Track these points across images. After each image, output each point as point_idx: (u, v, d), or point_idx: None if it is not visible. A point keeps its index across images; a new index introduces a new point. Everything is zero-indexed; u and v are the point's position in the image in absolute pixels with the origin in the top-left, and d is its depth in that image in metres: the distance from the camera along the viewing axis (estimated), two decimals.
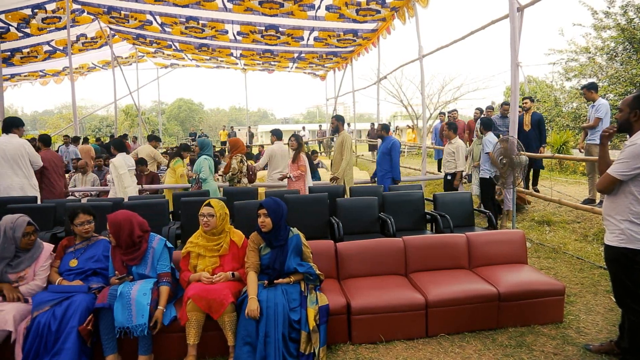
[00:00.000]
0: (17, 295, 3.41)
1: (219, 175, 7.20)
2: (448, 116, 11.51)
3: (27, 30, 11.32)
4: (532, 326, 3.83)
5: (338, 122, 7.58)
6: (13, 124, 6.21)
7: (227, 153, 9.16)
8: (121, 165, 6.70)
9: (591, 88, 6.95)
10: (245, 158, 7.00)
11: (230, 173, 6.77)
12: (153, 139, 10.73)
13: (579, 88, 15.12)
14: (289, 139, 7.18)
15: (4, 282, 3.48)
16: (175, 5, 9.63)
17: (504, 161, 5.88)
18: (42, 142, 7.52)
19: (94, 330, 3.35)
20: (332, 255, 4.20)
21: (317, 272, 3.68)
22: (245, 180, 6.88)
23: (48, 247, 3.76)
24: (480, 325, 3.81)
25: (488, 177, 6.88)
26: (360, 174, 11.26)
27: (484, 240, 4.47)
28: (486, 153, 6.83)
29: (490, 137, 6.96)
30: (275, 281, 3.57)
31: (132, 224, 3.64)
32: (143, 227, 3.72)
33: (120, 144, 7.10)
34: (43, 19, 10.87)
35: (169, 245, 3.82)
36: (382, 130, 7.61)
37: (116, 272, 3.63)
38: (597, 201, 6.79)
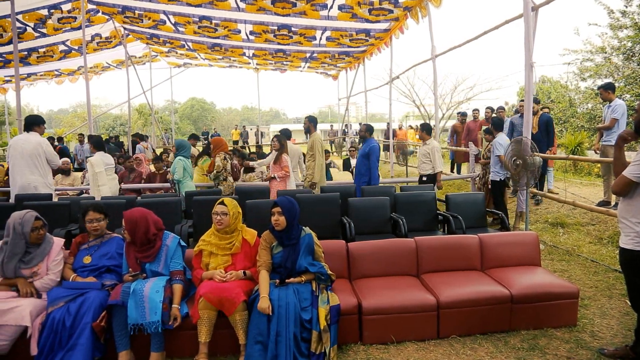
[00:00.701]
0: (31, 290, 3.45)
1: (206, 174, 7.15)
2: (465, 115, 11.39)
3: (44, 30, 11.45)
4: (545, 329, 3.79)
5: (310, 124, 7.36)
6: (34, 122, 6.30)
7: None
8: (98, 163, 6.75)
9: (608, 88, 6.86)
10: (229, 156, 6.98)
11: (215, 171, 6.77)
12: (192, 137, 10.74)
13: (595, 88, 14.95)
14: (272, 140, 7.18)
15: (18, 277, 3.53)
16: (189, 4, 9.67)
17: (517, 162, 5.82)
18: None
19: (107, 326, 3.39)
20: (343, 255, 4.20)
21: (329, 272, 3.68)
22: (230, 178, 6.85)
23: (58, 241, 3.81)
24: (492, 327, 3.78)
25: (499, 179, 6.83)
26: None
27: (497, 242, 4.43)
28: (496, 155, 6.77)
29: (501, 138, 6.91)
30: (286, 280, 3.58)
31: (147, 221, 3.67)
32: (158, 225, 3.76)
33: (99, 143, 7.18)
34: (59, 19, 10.98)
35: (182, 243, 3.86)
36: (366, 131, 7.47)
37: (130, 269, 3.66)
38: (613, 203, 6.70)
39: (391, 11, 9.34)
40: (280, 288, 3.50)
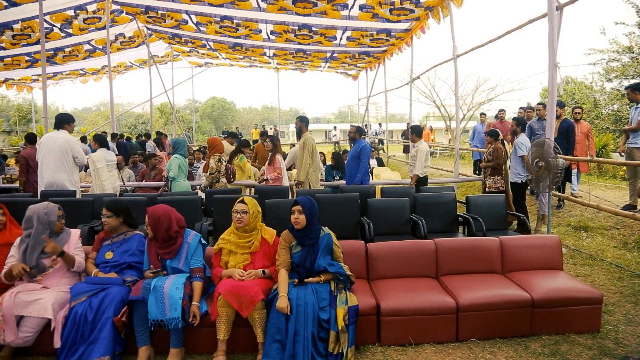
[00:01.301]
0: (22, 268, 3.52)
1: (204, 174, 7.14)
2: (496, 115, 11.19)
3: (69, 30, 11.69)
4: (567, 335, 3.72)
5: (301, 124, 7.26)
6: (64, 120, 6.42)
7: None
8: (99, 159, 6.95)
9: (636, 89, 6.69)
10: (223, 157, 7.00)
11: (208, 173, 6.81)
12: (230, 135, 10.79)
13: (621, 89, 14.62)
14: (265, 140, 7.19)
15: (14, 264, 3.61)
16: (211, 4, 9.76)
17: (540, 164, 5.73)
18: (27, 140, 7.79)
19: (127, 321, 3.45)
20: (362, 256, 4.19)
21: (348, 272, 3.68)
22: (223, 179, 6.88)
23: (75, 231, 3.96)
24: (512, 331, 3.73)
25: (520, 181, 6.74)
26: (391, 174, 11.18)
27: (518, 245, 4.37)
28: (519, 156, 6.68)
29: (523, 139, 6.81)
30: (305, 280, 3.59)
31: (170, 218, 3.73)
32: (180, 223, 3.81)
33: (101, 139, 7.33)
34: (84, 20, 11.21)
35: (203, 241, 3.91)
36: (356, 133, 7.41)
37: (151, 265, 3.71)
38: (639, 207, 6.55)
39: (412, 11, 9.29)
40: (299, 287, 3.51)
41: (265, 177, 6.97)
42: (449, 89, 22.11)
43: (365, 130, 21.65)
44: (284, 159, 7.62)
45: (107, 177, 7.00)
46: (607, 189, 9.23)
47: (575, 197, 7.69)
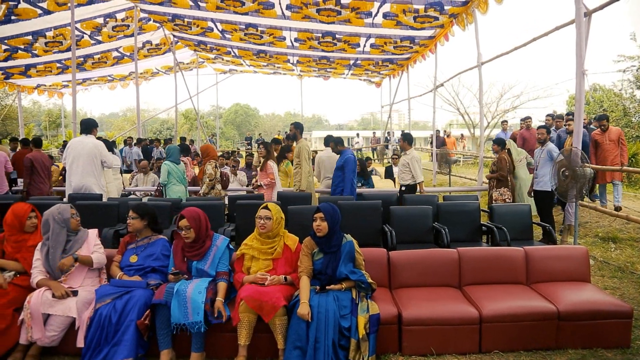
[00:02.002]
0: (64, 292, 3.59)
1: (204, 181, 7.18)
2: (521, 124, 10.97)
3: (99, 38, 11.99)
4: (594, 349, 3.62)
5: (296, 130, 7.33)
6: (92, 125, 6.58)
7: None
8: None
9: None
10: (218, 163, 7.01)
11: (207, 179, 6.85)
12: (274, 142, 10.85)
13: None
14: (258, 147, 7.18)
15: (52, 281, 3.69)
16: (236, 13, 9.89)
17: (566, 173, 5.63)
18: (34, 144, 7.96)
19: (150, 324, 3.50)
20: (384, 264, 4.17)
21: (370, 280, 3.66)
22: (218, 186, 6.89)
23: (92, 230, 4.07)
24: (537, 344, 3.65)
25: (549, 189, 6.61)
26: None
27: (543, 255, 4.28)
28: (557, 162, 6.53)
29: (553, 146, 6.69)
30: (327, 287, 3.58)
31: (206, 220, 3.85)
32: (210, 227, 3.92)
33: (106, 143, 7.44)
34: (113, 27, 11.49)
35: (231, 247, 3.96)
36: (337, 145, 7.44)
37: (173, 268, 3.77)
38: None
39: (436, 18, 9.24)
40: (320, 295, 3.51)
41: (258, 184, 7.02)
42: (473, 96, 21.93)
43: (388, 137, 21.58)
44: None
45: (111, 179, 7.18)
46: (637, 199, 9.00)
47: (604, 208, 7.51)
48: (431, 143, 20.00)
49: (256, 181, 7.20)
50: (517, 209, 5.80)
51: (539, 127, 7.18)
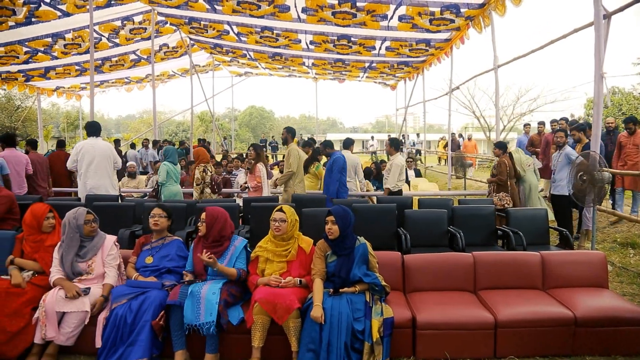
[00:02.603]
0: (76, 292, 3.62)
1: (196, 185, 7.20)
2: (538, 127, 10.82)
3: (116, 40, 12.16)
4: (612, 356, 3.56)
5: (288, 134, 7.32)
6: (99, 128, 6.74)
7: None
8: None
9: None
10: (208, 168, 7.01)
11: (195, 183, 6.87)
12: (306, 144, 10.86)
13: None
14: (248, 149, 7.22)
15: (66, 281, 3.74)
16: (252, 16, 9.95)
17: (584, 178, 5.55)
18: (29, 145, 8.03)
19: (165, 325, 3.53)
20: (398, 267, 4.15)
21: (383, 283, 3.65)
22: (208, 190, 6.89)
23: (110, 237, 4.06)
24: (553, 350, 3.61)
25: (567, 194, 6.51)
26: (429, 185, 11.05)
27: (560, 260, 4.23)
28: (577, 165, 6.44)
29: (570, 150, 6.60)
30: (340, 290, 3.58)
31: (226, 221, 3.90)
32: (231, 228, 3.97)
33: (116, 144, 7.60)
34: (130, 30, 11.65)
35: (248, 249, 4.00)
36: (326, 148, 7.50)
37: (184, 273, 3.81)
38: None
39: (452, 21, 9.20)
40: (333, 297, 3.51)
41: (246, 186, 7.06)
42: (488, 99, 21.75)
43: (403, 140, 21.52)
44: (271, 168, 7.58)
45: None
46: None
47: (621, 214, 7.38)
48: (445, 146, 19.88)
49: (245, 183, 7.26)
50: (534, 213, 5.74)
51: (557, 131, 7.08)
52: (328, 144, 7.65)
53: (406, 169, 11.79)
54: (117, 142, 14.92)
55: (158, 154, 13.36)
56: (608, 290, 4.12)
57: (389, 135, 30.43)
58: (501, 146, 7.11)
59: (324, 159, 8.70)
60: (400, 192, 7.33)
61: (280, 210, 3.84)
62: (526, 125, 12.31)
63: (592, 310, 3.65)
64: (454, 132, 22.49)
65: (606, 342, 3.60)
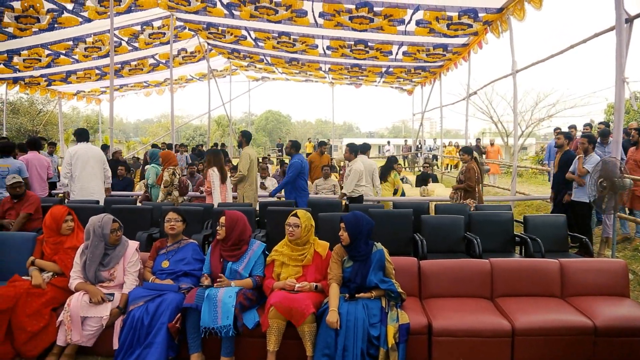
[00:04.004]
0: (101, 297, 3.68)
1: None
2: (571, 131, 10.38)
3: (136, 44, 12.36)
4: None
5: (243, 138, 7.43)
6: (88, 134, 7.06)
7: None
8: None
9: None
10: (177, 171, 7.01)
11: (162, 186, 6.89)
12: (322, 144, 10.77)
13: None
14: (205, 154, 7.28)
15: (90, 285, 3.79)
16: (269, 21, 10.03)
17: (604, 184, 5.46)
18: (29, 146, 7.89)
19: (181, 328, 3.56)
20: (414, 273, 4.12)
21: (400, 290, 3.63)
22: (176, 193, 6.90)
23: (133, 243, 4.08)
24: (572, 359, 3.54)
25: (588, 200, 6.40)
26: (445, 191, 10.96)
27: (579, 268, 4.16)
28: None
29: (594, 158, 6.48)
30: (356, 295, 3.57)
31: (245, 225, 3.94)
32: (249, 231, 4.00)
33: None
34: (150, 35, 11.83)
35: (267, 252, 4.01)
36: (292, 148, 7.52)
37: (203, 277, 3.83)
38: None
39: (470, 26, 9.15)
40: (349, 302, 3.50)
41: (200, 190, 7.14)
42: (506, 104, 21.50)
43: (419, 145, 21.42)
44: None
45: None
46: None
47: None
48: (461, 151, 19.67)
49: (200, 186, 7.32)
50: (552, 219, 5.66)
51: (581, 136, 6.93)
52: (294, 145, 7.73)
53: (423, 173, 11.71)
54: (104, 147, 14.61)
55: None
56: (629, 299, 4.03)
57: (388, 142, 30.34)
58: (468, 151, 6.96)
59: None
60: (360, 197, 7.30)
61: (295, 215, 3.85)
62: (557, 129, 11.60)
63: (612, 319, 3.58)
64: (479, 138, 22.23)
65: (627, 353, 3.52)
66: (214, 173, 6.82)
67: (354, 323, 3.34)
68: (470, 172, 6.72)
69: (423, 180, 11.39)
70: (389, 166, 8.74)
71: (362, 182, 7.32)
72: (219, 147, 16.68)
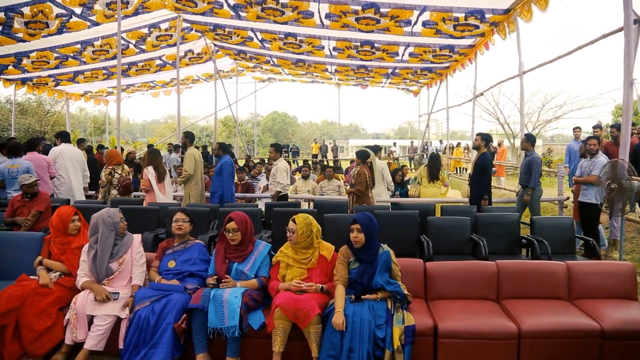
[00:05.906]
0: (106, 295, 3.69)
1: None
2: (594, 132, 10.02)
3: (143, 47, 12.43)
4: None
5: (186, 139, 7.60)
6: (70, 136, 7.41)
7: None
8: None
9: None
10: (116, 170, 6.97)
11: (100, 185, 6.96)
12: (373, 149, 10.73)
13: None
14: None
15: (95, 284, 3.81)
16: (276, 22, 10.06)
17: (612, 186, 5.43)
18: (28, 146, 7.82)
19: (187, 328, 3.56)
20: (420, 275, 4.11)
21: (406, 292, 3.62)
22: (114, 192, 6.91)
23: (137, 236, 4.17)
24: None
25: (598, 203, 6.35)
26: (452, 192, 10.92)
27: (587, 271, 4.13)
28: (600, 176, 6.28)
29: (602, 158, 6.45)
30: (362, 296, 3.56)
31: (252, 225, 3.98)
32: (254, 232, 4.04)
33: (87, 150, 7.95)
34: (157, 37, 11.89)
35: (272, 253, 4.02)
36: (219, 149, 7.65)
37: (209, 278, 3.84)
38: None
39: (477, 27, 9.13)
40: (355, 304, 3.49)
41: (142, 189, 7.23)
42: (513, 106, 21.45)
43: (425, 147, 21.37)
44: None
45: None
46: None
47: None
48: (465, 149, 19.65)
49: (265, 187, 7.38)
50: (560, 222, 5.63)
51: (590, 138, 6.87)
52: (222, 146, 7.80)
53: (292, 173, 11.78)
54: (88, 149, 14.34)
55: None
56: (637, 302, 4.00)
57: (394, 143, 30.26)
58: (360, 156, 6.87)
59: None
60: (285, 196, 7.43)
61: (293, 220, 3.84)
62: (576, 129, 10.50)
63: (620, 322, 3.55)
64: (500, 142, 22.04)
65: (635, 356, 3.49)
66: (149, 172, 6.92)
67: (360, 324, 3.33)
68: (361, 176, 6.58)
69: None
70: (438, 164, 8.30)
71: (287, 180, 7.54)
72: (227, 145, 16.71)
